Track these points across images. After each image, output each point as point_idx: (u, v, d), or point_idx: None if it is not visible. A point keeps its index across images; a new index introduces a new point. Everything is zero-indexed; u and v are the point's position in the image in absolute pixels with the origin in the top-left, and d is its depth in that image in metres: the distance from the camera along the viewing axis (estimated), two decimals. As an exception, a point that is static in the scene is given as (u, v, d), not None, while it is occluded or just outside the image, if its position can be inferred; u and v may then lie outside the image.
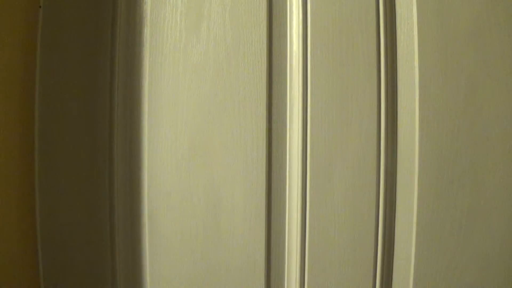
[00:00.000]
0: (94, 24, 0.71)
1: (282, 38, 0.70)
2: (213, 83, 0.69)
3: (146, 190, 0.71)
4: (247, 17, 0.69)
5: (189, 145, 0.70)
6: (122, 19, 0.72)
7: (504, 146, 0.67)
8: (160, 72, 0.70)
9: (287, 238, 0.71)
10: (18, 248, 0.68)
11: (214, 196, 0.70)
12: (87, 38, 0.71)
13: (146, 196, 0.71)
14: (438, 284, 0.68)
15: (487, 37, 0.66)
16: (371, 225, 0.68)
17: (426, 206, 0.67)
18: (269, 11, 0.69)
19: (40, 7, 0.69)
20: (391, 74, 0.69)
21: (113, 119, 0.71)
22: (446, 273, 0.68)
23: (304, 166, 0.69)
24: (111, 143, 0.71)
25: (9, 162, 0.66)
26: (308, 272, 0.69)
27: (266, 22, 0.69)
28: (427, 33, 0.67)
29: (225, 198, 0.69)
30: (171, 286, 0.71)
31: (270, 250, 0.70)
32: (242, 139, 0.69)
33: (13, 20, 0.67)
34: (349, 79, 0.68)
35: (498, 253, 0.67)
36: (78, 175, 0.71)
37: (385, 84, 0.68)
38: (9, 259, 0.66)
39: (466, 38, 0.66)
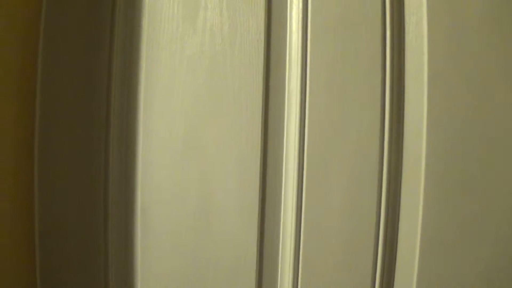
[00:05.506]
0: (94, 15, 0.70)
1: (281, 28, 0.66)
2: (208, 75, 0.67)
3: (140, 184, 0.69)
4: (245, 6, 0.66)
5: (183, 139, 0.68)
6: (121, 8, 0.70)
7: (520, 148, 0.61)
8: (156, 64, 0.69)
9: (281, 238, 0.67)
10: (15, 243, 0.69)
11: (206, 192, 0.67)
12: (87, 29, 0.70)
13: (139, 190, 0.69)
14: (443, 294, 0.63)
15: (504, 26, 0.60)
16: (371, 228, 0.64)
17: (432, 209, 0.63)
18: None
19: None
20: (397, 68, 0.64)
21: (110, 112, 0.70)
22: (450, 283, 0.63)
23: (301, 164, 0.65)
24: (107, 136, 0.70)
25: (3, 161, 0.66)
26: (301, 275, 0.66)
27: (265, 11, 0.66)
28: (437, 23, 0.62)
29: (218, 194, 0.67)
30: (160, 281, 0.69)
31: (262, 250, 0.67)
32: (237, 134, 0.66)
33: (12, 15, 0.67)
34: (351, 73, 0.64)
35: (508, 265, 0.62)
36: (74, 169, 0.70)
37: (390, 79, 0.63)
38: (6, 254, 0.67)
39: (479, 29, 0.61)
